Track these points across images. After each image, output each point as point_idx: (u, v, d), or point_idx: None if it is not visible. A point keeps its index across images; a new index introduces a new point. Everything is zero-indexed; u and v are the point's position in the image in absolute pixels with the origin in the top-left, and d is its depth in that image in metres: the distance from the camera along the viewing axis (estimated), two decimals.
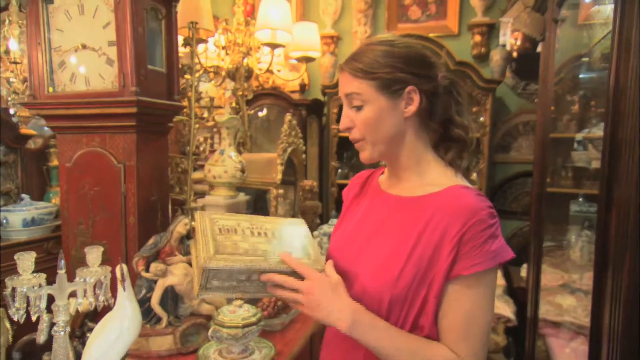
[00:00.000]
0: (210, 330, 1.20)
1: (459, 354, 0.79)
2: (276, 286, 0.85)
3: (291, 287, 0.83)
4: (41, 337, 1.10)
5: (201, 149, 2.01)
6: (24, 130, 2.49)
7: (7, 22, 3.05)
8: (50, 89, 1.45)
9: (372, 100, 0.85)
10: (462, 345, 0.79)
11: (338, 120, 3.41)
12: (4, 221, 2.14)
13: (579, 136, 2.06)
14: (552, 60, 1.94)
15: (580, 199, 2.19)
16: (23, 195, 2.28)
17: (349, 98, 0.88)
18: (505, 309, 2.45)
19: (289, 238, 0.94)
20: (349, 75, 0.87)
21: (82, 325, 1.39)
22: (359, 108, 0.87)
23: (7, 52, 3.05)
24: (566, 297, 2.23)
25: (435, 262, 0.80)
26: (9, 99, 2.93)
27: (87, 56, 1.41)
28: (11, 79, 3.02)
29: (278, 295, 0.85)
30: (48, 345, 1.11)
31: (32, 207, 2.21)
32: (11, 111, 2.71)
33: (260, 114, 3.69)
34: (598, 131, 1.64)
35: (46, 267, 1.17)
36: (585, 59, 1.94)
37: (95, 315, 1.27)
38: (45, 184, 2.59)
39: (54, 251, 2.21)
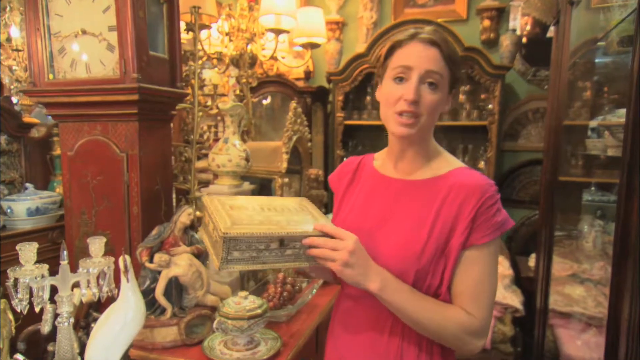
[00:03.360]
0: (215, 322, 1.18)
1: (473, 314, 0.87)
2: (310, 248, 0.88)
3: (332, 247, 0.86)
4: (45, 328, 1.09)
5: (205, 137, 1.97)
6: (27, 118, 2.47)
7: (7, 8, 3.02)
8: (51, 76, 1.42)
9: (442, 87, 0.91)
10: (474, 305, 0.88)
11: (343, 108, 3.40)
12: (8, 210, 2.13)
13: (593, 123, 1.99)
14: (567, 45, 1.88)
15: (593, 188, 2.14)
16: (27, 185, 2.27)
17: (430, 74, 0.89)
18: (512, 299, 2.43)
19: (299, 212, 0.97)
20: (439, 55, 0.89)
21: (87, 316, 1.38)
22: (433, 88, 0.89)
23: (8, 39, 3.02)
24: (575, 287, 2.19)
25: (452, 235, 0.88)
26: (12, 87, 2.91)
27: (87, 42, 1.38)
28: (14, 67, 2.99)
29: (314, 253, 0.87)
30: (52, 335, 1.10)
31: (36, 197, 2.20)
32: (14, 99, 2.69)
33: (264, 101, 3.64)
34: (614, 118, 1.59)
35: (51, 257, 1.15)
36: (601, 43, 1.87)
37: (100, 305, 1.26)
38: (49, 173, 2.58)
39: (58, 241, 2.20)
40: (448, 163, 0.97)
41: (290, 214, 0.94)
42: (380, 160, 1.06)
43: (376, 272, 0.86)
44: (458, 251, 0.88)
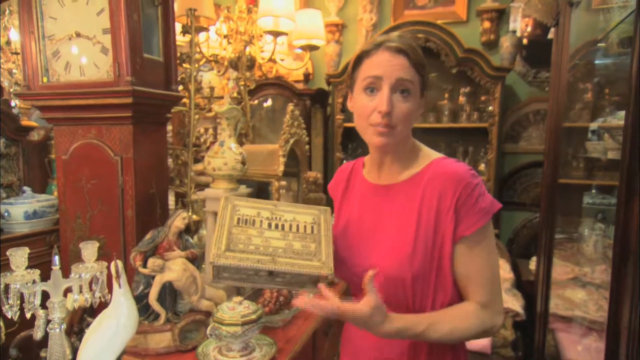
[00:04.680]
0: (209, 328, 1.16)
1: (483, 303, 0.88)
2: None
3: (340, 315, 0.83)
4: (38, 334, 1.08)
5: (202, 140, 1.96)
6: (25, 122, 2.47)
7: (7, 12, 3.02)
8: (45, 79, 1.41)
9: (415, 94, 0.90)
10: (482, 292, 0.88)
11: (343, 111, 3.38)
12: (6, 214, 2.12)
13: (593, 125, 1.97)
14: (566, 46, 1.86)
15: (594, 191, 2.12)
16: (25, 188, 2.26)
17: (402, 82, 0.88)
18: (513, 302, 2.40)
19: (305, 234, 0.95)
20: (408, 62, 0.88)
21: (81, 321, 1.36)
22: (405, 97, 0.89)
23: (8, 42, 3.02)
24: (577, 291, 2.17)
25: (438, 231, 0.88)
26: (11, 90, 2.91)
27: (81, 45, 1.37)
28: (13, 70, 3.00)
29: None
30: (45, 341, 1.08)
31: (33, 200, 2.20)
32: (13, 103, 2.69)
33: (265, 104, 3.63)
34: (614, 120, 1.57)
35: (48, 261, 1.14)
36: (601, 45, 1.85)
37: (95, 310, 1.24)
38: (48, 176, 2.57)
39: (56, 244, 2.19)
40: (425, 157, 0.96)
41: (293, 239, 0.93)
42: (368, 167, 1.07)
43: (380, 334, 0.84)
44: (451, 245, 0.88)
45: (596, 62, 2.12)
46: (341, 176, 1.12)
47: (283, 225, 0.96)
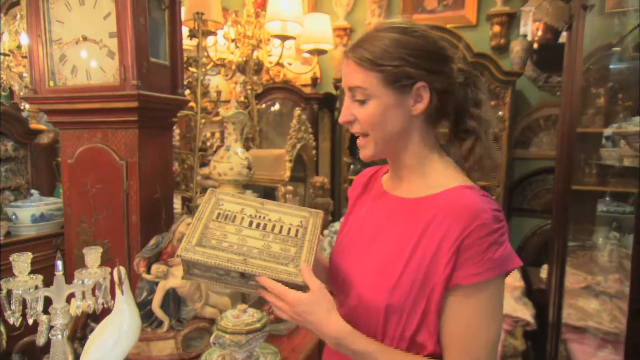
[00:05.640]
0: (212, 336, 1.14)
1: None
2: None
3: (279, 295, 0.78)
4: (41, 340, 1.07)
5: (208, 144, 1.95)
6: (34, 125, 2.48)
7: (18, 16, 3.05)
8: (51, 83, 1.41)
9: (377, 95, 0.78)
10: None
11: None
12: (13, 217, 2.13)
13: (607, 131, 1.93)
14: (579, 50, 1.82)
15: (607, 198, 2.07)
16: (32, 191, 2.27)
17: (352, 91, 0.81)
18: (524, 312, 2.35)
19: (287, 236, 0.88)
20: (354, 65, 0.79)
21: (85, 327, 1.35)
22: (362, 102, 0.80)
23: (19, 47, 3.06)
24: (590, 300, 2.12)
25: (434, 270, 0.74)
26: (21, 93, 2.94)
27: (88, 48, 1.36)
28: (24, 74, 3.03)
29: (264, 296, 0.81)
30: (48, 347, 1.07)
31: (41, 203, 2.20)
32: (22, 106, 2.71)
33: (272, 108, 3.62)
34: (629, 126, 1.53)
35: (54, 264, 1.13)
36: (616, 49, 1.81)
37: (99, 316, 1.23)
38: (55, 180, 2.58)
39: (63, 247, 2.19)
40: (447, 180, 0.81)
41: (273, 240, 0.86)
42: (389, 173, 0.96)
43: (331, 329, 0.75)
44: (441, 291, 0.73)
45: (610, 66, 2.08)
46: (360, 180, 1.04)
47: (265, 225, 0.88)
